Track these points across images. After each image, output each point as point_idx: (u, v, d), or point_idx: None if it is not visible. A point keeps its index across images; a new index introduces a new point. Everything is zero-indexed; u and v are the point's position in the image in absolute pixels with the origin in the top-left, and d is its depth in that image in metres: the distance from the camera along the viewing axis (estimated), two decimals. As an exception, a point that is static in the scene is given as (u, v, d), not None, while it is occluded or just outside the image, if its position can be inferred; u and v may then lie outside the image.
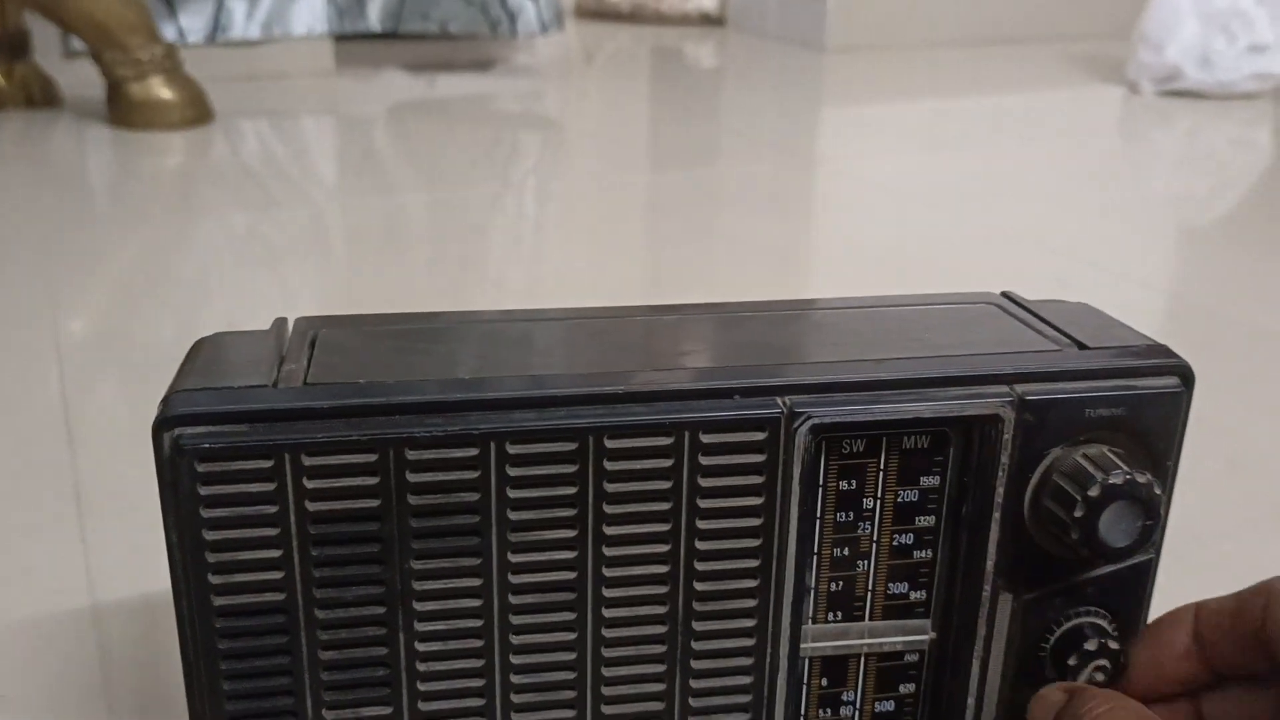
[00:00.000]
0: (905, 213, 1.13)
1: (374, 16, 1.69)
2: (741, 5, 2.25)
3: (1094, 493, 0.33)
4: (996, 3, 2.15)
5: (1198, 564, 0.53)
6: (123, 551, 0.54)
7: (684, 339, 0.37)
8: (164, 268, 0.96)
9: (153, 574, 0.52)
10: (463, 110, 1.57)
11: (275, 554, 0.31)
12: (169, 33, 1.50)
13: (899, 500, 0.35)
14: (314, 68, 1.68)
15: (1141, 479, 0.33)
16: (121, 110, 1.33)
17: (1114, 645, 0.35)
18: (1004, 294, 0.40)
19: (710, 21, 2.30)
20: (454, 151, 1.33)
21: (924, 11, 2.10)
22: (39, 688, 0.45)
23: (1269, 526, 0.57)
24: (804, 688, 0.37)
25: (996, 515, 0.34)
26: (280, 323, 0.36)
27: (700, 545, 0.33)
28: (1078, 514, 0.33)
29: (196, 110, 1.35)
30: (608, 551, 0.33)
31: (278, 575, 0.31)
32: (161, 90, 1.32)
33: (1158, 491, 0.33)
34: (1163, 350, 0.35)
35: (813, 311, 0.39)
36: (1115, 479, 0.33)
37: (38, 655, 0.47)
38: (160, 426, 0.30)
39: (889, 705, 0.37)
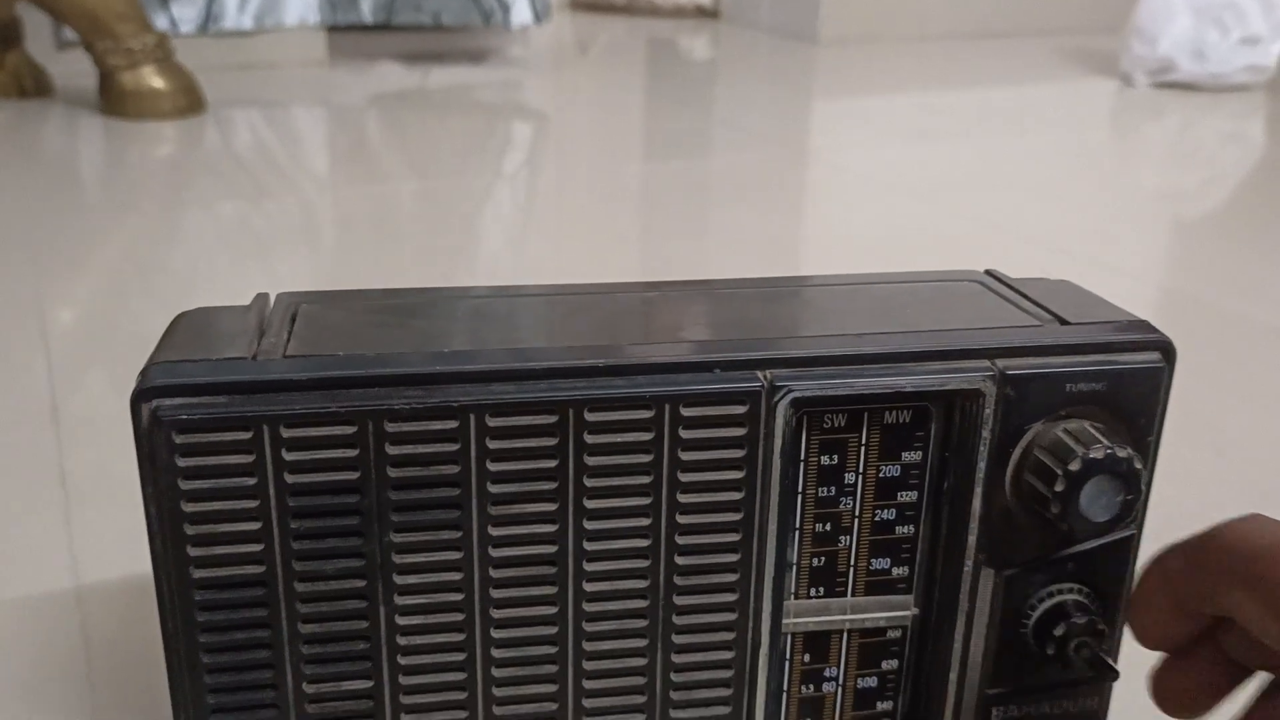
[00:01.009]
0: (896, 204, 1.13)
1: (366, 8, 1.69)
2: (736, -2, 2.25)
3: (1074, 467, 0.33)
4: (990, -4, 2.15)
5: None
6: (106, 534, 0.54)
7: (665, 314, 0.37)
8: (154, 256, 0.96)
9: (136, 557, 0.52)
10: (455, 101, 1.57)
11: (254, 526, 0.31)
12: (161, 23, 1.50)
13: (880, 475, 0.35)
14: (306, 58, 1.68)
15: (1122, 453, 0.33)
16: (113, 99, 1.33)
17: (1097, 622, 0.35)
18: (987, 272, 0.40)
19: (704, 14, 2.30)
20: (446, 143, 1.33)
21: (917, 5, 2.10)
22: (20, 668, 0.45)
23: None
24: (786, 664, 0.36)
25: (978, 490, 0.34)
26: (261, 297, 0.36)
27: (681, 519, 0.33)
28: (1058, 488, 0.33)
29: (188, 99, 1.35)
30: (588, 525, 0.33)
31: (257, 548, 0.31)
32: (153, 79, 1.32)
33: (1138, 466, 0.33)
34: (1144, 326, 0.35)
35: (795, 288, 0.39)
36: (1096, 453, 0.33)
37: (20, 636, 0.47)
38: (138, 398, 0.30)
39: (871, 682, 0.37)
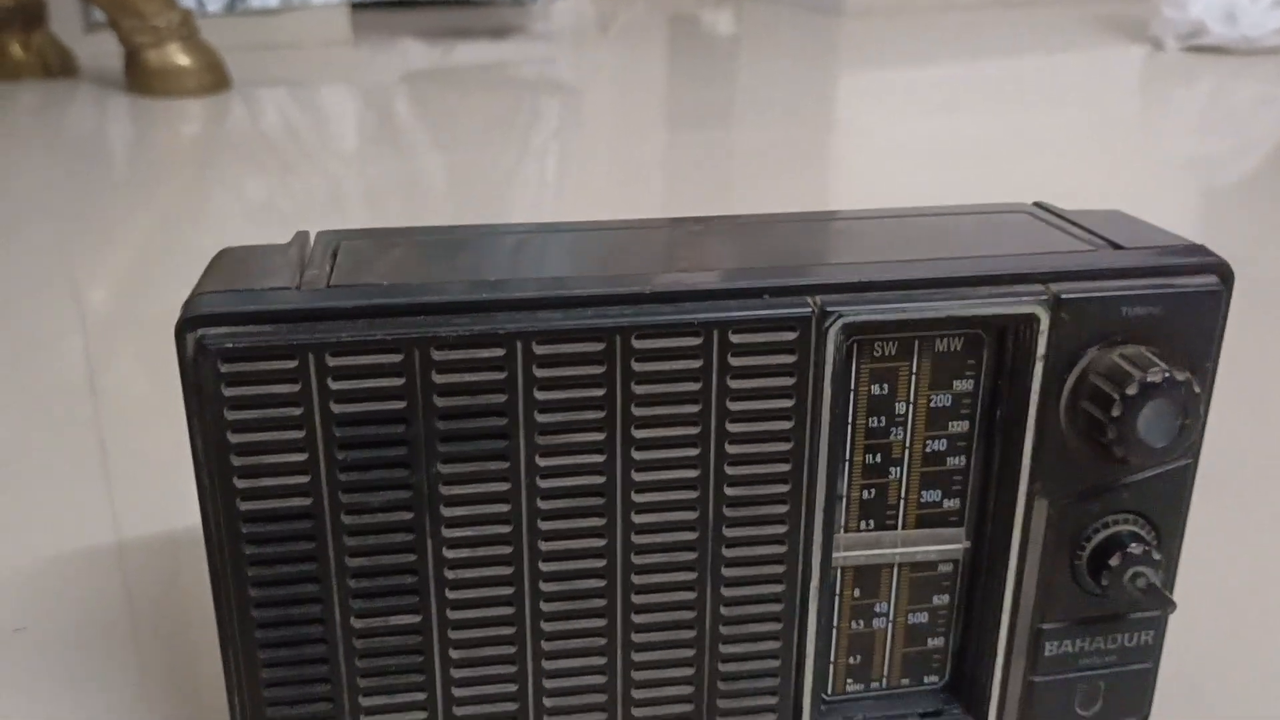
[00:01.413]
0: (925, 175, 1.12)
1: (390, -16, 1.68)
2: (758, -28, 2.23)
3: (1131, 391, 0.32)
4: (1016, -35, 2.12)
5: (1219, 490, 0.53)
6: (146, 495, 0.54)
7: (711, 245, 0.36)
8: (181, 232, 0.96)
9: (176, 514, 0.52)
10: (480, 77, 1.57)
11: (301, 458, 0.31)
12: (188, 2, 1.50)
13: (932, 405, 0.34)
14: (331, 37, 1.68)
15: (1180, 376, 0.32)
16: (139, 77, 1.33)
17: (1153, 551, 0.35)
18: (1036, 203, 0.39)
19: (727, -12, 2.29)
20: (471, 118, 1.33)
21: (943, -26, 2.08)
22: (65, 622, 0.45)
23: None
24: (836, 599, 0.36)
25: (1032, 418, 0.34)
26: (301, 235, 0.36)
27: (730, 449, 0.33)
28: (1115, 413, 0.32)
29: (214, 77, 1.35)
30: (637, 455, 0.32)
31: (304, 479, 0.31)
32: (179, 57, 1.32)
33: (1197, 390, 0.32)
34: (1200, 249, 0.35)
35: (842, 220, 0.38)
36: (1153, 377, 0.32)
37: (63, 591, 0.47)
38: (183, 327, 0.30)
39: (923, 617, 0.37)
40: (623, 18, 2.13)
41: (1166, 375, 0.32)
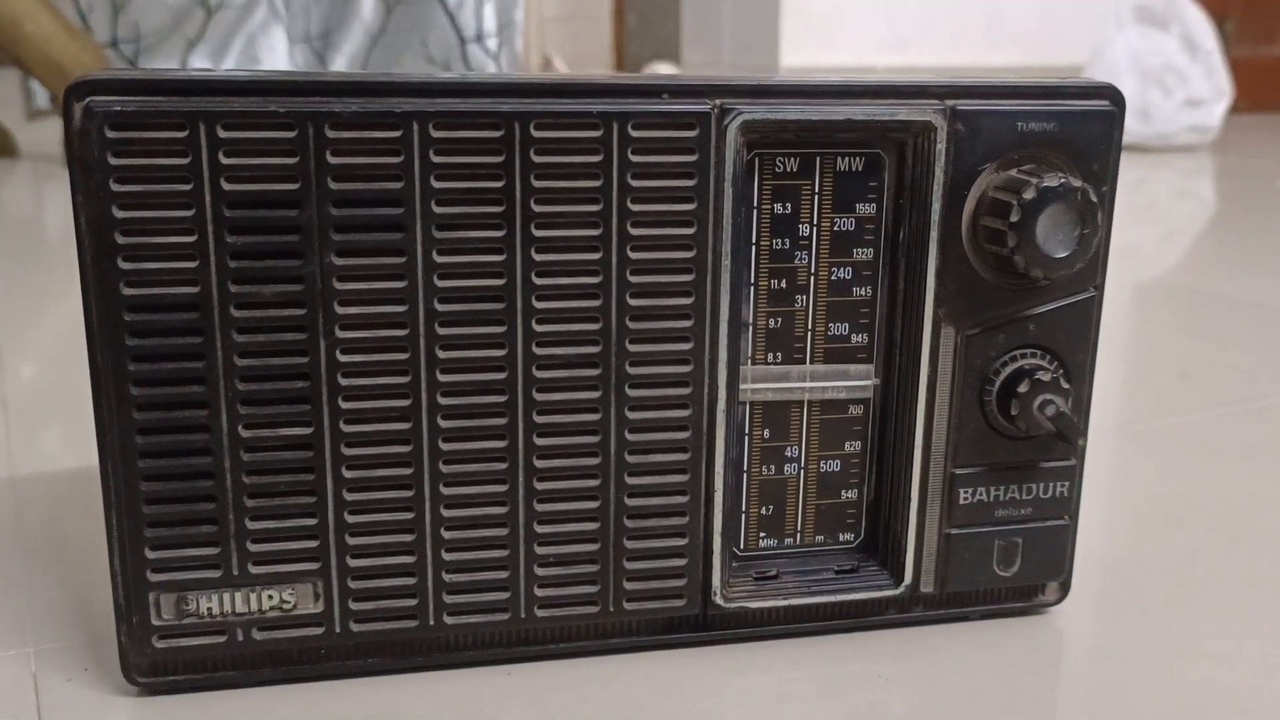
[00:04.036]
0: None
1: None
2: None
3: (1029, 195, 0.32)
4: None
5: (1154, 436, 0.53)
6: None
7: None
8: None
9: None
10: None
11: (189, 240, 0.30)
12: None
13: (835, 229, 0.34)
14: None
15: (1076, 183, 0.32)
16: (77, 152, 1.33)
17: (1061, 380, 0.34)
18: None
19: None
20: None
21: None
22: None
23: (1207, 411, 0.58)
24: (746, 439, 0.35)
25: (934, 236, 0.34)
26: (205, 69, 0.36)
27: (633, 255, 0.32)
28: (1014, 218, 0.32)
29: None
30: (538, 257, 0.32)
31: (192, 265, 0.30)
32: (118, 132, 1.32)
33: (1094, 199, 0.33)
34: (1092, 81, 0.35)
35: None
36: (1050, 181, 0.32)
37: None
38: (71, 94, 0.29)
39: (834, 465, 0.36)
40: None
41: (1063, 180, 0.32)
